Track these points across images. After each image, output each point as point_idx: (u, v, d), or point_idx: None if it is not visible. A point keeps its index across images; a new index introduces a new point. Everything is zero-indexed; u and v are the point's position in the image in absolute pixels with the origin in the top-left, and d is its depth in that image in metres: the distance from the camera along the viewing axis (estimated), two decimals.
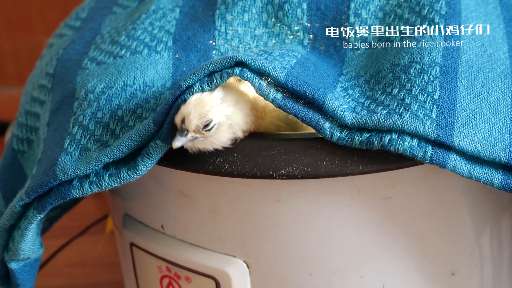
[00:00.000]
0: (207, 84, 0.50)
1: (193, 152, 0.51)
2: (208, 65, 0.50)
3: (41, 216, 0.54)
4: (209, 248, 0.57)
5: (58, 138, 0.55)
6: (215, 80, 0.50)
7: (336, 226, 0.54)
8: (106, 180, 0.52)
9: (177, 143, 0.49)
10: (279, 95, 0.50)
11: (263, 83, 0.50)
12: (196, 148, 0.50)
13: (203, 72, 0.50)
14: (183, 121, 0.49)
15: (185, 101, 0.50)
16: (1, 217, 0.58)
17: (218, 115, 0.49)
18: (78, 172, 0.52)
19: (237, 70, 0.50)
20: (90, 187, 0.52)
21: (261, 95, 0.50)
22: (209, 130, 0.49)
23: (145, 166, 0.51)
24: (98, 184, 0.52)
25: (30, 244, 0.56)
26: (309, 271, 0.55)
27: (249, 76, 0.50)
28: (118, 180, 0.52)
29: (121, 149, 0.51)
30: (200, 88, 0.50)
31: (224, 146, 0.51)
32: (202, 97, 0.49)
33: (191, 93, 0.50)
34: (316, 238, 0.54)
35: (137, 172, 0.51)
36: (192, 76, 0.50)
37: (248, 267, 0.56)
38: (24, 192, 0.54)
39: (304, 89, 0.50)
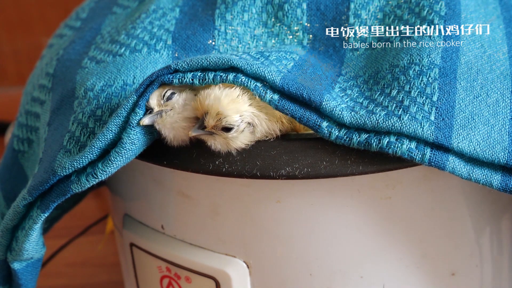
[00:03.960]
0: (199, 80, 0.50)
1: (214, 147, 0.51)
2: (202, 60, 0.50)
3: (46, 215, 0.54)
4: (209, 248, 0.57)
5: (59, 136, 0.55)
6: (207, 79, 0.50)
7: (336, 226, 0.54)
8: (100, 167, 0.51)
9: (193, 133, 0.50)
10: (275, 96, 0.50)
11: (259, 85, 0.50)
12: (215, 147, 0.51)
13: (196, 64, 0.50)
14: (205, 114, 0.50)
15: (168, 79, 0.50)
16: (2, 217, 0.58)
17: (242, 122, 0.50)
18: (75, 164, 0.51)
19: (231, 76, 0.50)
20: (87, 179, 0.51)
21: (258, 96, 0.50)
22: (228, 131, 0.50)
23: (129, 138, 0.50)
24: (94, 174, 0.51)
25: (34, 244, 0.56)
26: (309, 271, 0.55)
27: (243, 80, 0.50)
28: (110, 163, 0.51)
29: (111, 128, 0.51)
30: (191, 81, 0.50)
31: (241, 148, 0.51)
32: (231, 98, 0.50)
33: (180, 80, 0.50)
34: (316, 238, 0.54)
35: (123, 146, 0.50)
36: (184, 65, 0.50)
37: (248, 267, 0.56)
38: (26, 191, 0.54)
39: (300, 91, 0.50)
